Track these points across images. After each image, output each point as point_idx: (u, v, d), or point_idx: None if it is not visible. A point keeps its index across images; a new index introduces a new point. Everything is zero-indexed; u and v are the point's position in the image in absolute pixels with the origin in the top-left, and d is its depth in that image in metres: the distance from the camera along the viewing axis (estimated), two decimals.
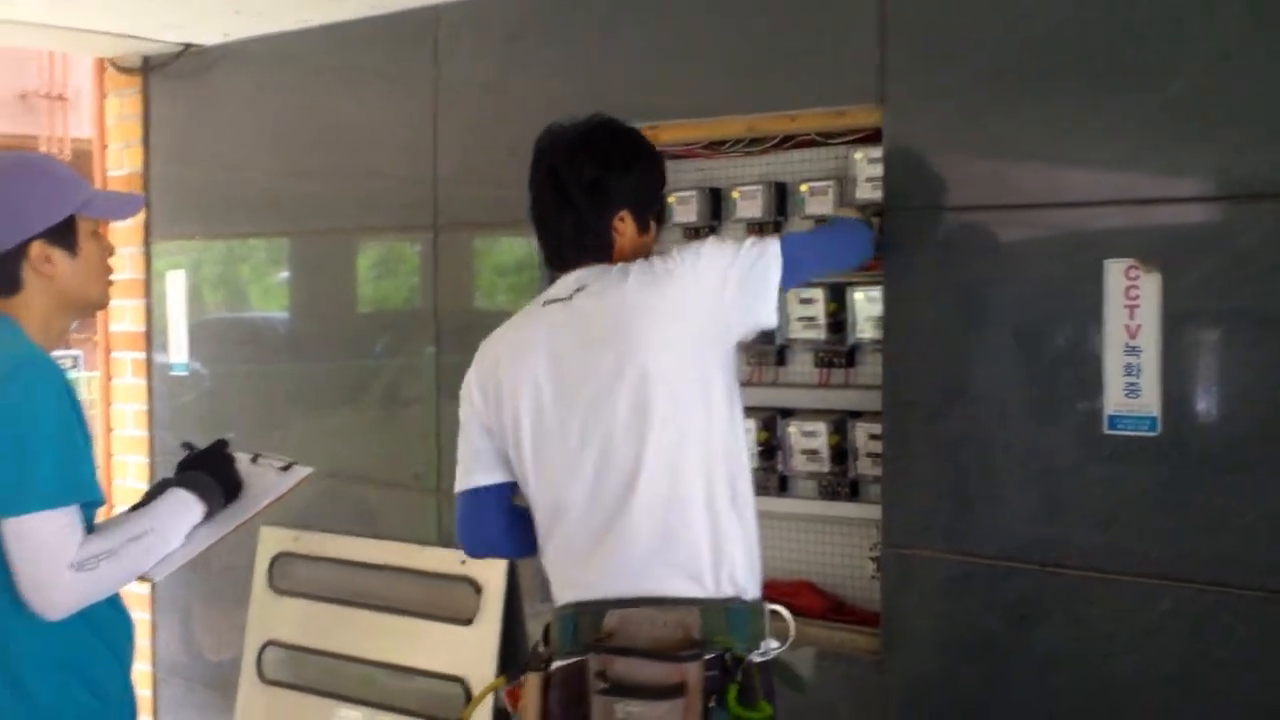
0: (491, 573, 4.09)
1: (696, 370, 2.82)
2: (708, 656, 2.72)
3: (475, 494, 3.07)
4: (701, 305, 2.83)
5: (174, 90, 5.43)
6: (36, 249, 2.76)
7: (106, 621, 2.81)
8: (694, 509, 2.80)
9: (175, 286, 5.42)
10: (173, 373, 5.46)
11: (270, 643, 4.60)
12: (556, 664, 2.90)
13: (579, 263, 2.95)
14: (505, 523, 3.08)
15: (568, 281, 2.96)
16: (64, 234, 2.80)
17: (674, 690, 2.68)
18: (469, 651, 4.09)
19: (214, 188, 5.34)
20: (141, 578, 2.80)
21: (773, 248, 2.88)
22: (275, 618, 4.61)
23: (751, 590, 2.85)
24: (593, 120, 3.00)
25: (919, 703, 3.44)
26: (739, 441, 2.89)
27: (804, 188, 3.69)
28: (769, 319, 2.89)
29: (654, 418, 2.79)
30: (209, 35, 5.11)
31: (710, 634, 2.74)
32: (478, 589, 4.10)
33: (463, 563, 4.16)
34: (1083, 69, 3.17)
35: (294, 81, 5.02)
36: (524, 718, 2.94)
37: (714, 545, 2.80)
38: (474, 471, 3.07)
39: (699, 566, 2.79)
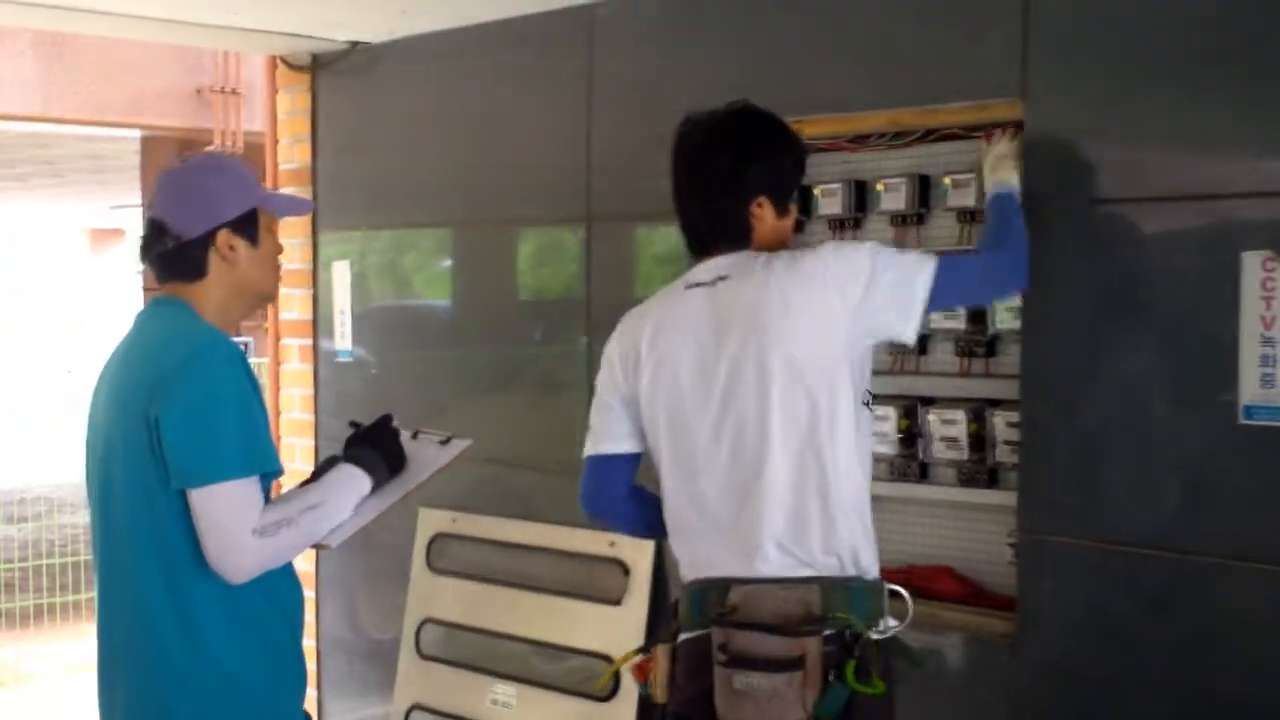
0: (639, 555, 4.18)
1: (828, 366, 2.90)
2: (827, 633, 2.82)
3: (604, 460, 3.22)
4: (842, 307, 2.90)
5: (341, 86, 5.60)
6: (223, 237, 2.94)
7: (281, 591, 2.98)
8: (816, 497, 2.90)
9: (341, 276, 5.59)
10: (338, 359, 5.64)
11: (428, 620, 4.74)
12: (683, 637, 3.02)
13: (719, 249, 3.05)
14: (625, 493, 3.22)
15: (709, 267, 3.05)
16: (247, 225, 2.97)
17: (793, 664, 2.78)
18: (617, 631, 4.17)
19: (378, 180, 5.49)
20: (317, 546, 2.96)
21: (928, 267, 2.93)
22: (433, 596, 4.74)
23: (871, 571, 2.95)
24: (730, 108, 3.10)
25: (1051, 686, 3.48)
26: (865, 436, 2.98)
27: (947, 179, 3.72)
28: (907, 336, 2.95)
29: (783, 409, 2.89)
30: (375, 34, 5.26)
31: (830, 610, 2.84)
32: (626, 570, 4.18)
33: (611, 545, 4.26)
34: (1223, 61, 3.19)
35: (455, 77, 5.16)
36: (654, 689, 3.07)
37: (834, 530, 2.90)
38: (604, 439, 3.20)
39: (819, 549, 2.90)
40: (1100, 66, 3.38)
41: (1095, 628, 3.40)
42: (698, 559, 3.05)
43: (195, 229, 2.92)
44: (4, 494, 13.18)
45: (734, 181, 3.02)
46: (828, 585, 2.87)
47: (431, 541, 4.80)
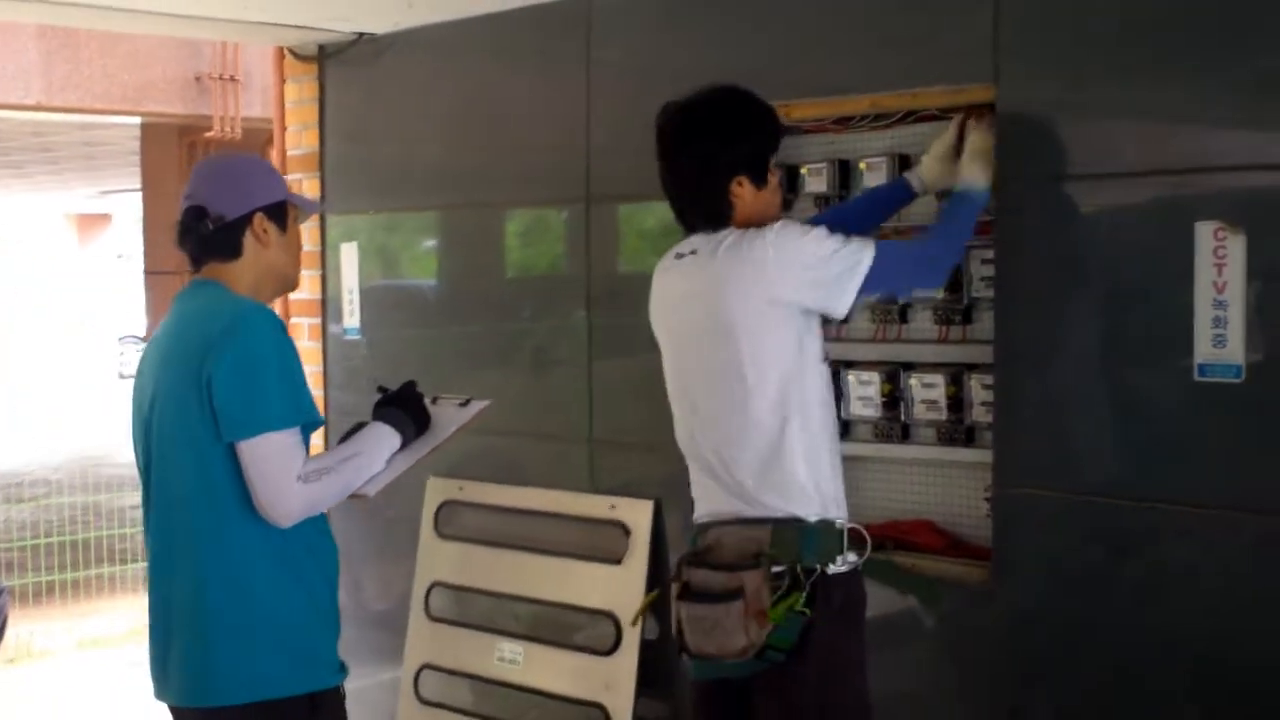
0: (639, 516, 4.36)
1: (771, 327, 3.25)
2: (777, 569, 3.19)
3: None
4: (780, 282, 3.24)
5: (348, 75, 5.82)
6: (258, 220, 3.24)
7: (319, 545, 3.27)
8: (768, 448, 3.27)
9: (348, 257, 5.79)
10: (346, 337, 5.85)
11: (436, 584, 4.93)
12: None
13: (701, 226, 3.38)
14: None
15: (689, 243, 3.41)
16: (279, 213, 3.28)
17: (730, 595, 3.15)
18: (619, 589, 4.33)
19: (384, 165, 5.72)
20: (354, 496, 3.24)
21: (865, 259, 3.26)
22: (441, 561, 4.89)
23: (828, 514, 3.29)
24: (702, 93, 3.39)
25: (1025, 628, 3.74)
26: (814, 390, 3.32)
27: (924, 157, 3.96)
28: (838, 313, 3.33)
29: (726, 368, 3.27)
30: (381, 25, 5.46)
31: (773, 549, 3.21)
32: (627, 531, 4.35)
33: (612, 508, 4.47)
34: (1179, 47, 3.45)
35: (459, 66, 5.37)
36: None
37: (786, 476, 3.26)
38: None
39: (772, 493, 3.26)
40: (1066, 52, 3.64)
41: (1065, 573, 3.67)
42: (695, 500, 3.47)
43: (234, 210, 3.21)
44: (3, 476, 13.36)
45: (711, 166, 3.34)
46: (780, 525, 3.23)
47: (439, 509, 5.00)
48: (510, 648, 4.69)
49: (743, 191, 3.34)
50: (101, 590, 9.58)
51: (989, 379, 3.84)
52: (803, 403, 3.30)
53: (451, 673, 4.87)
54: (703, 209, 3.37)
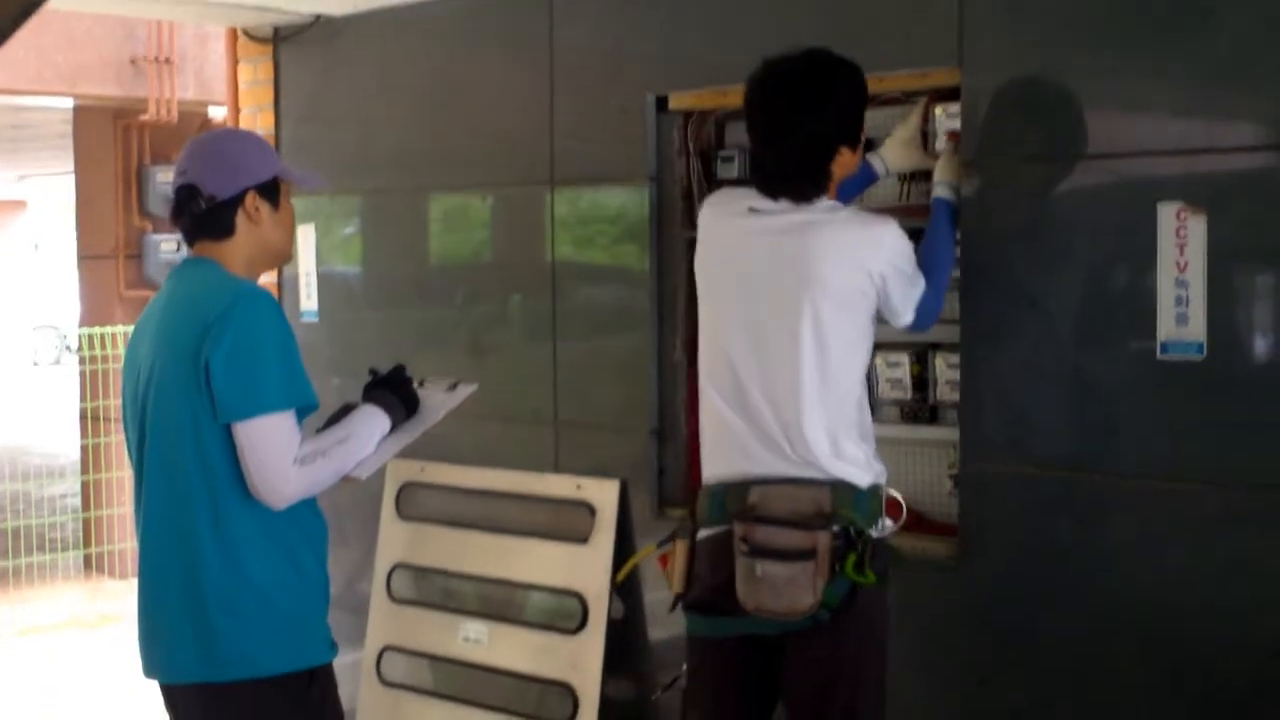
0: (605, 496, 4.43)
1: (863, 303, 3.37)
2: (835, 529, 3.23)
3: None
4: (889, 261, 3.37)
5: (303, 57, 5.81)
6: (250, 199, 3.25)
7: (310, 523, 3.28)
8: (839, 413, 3.35)
9: (305, 239, 5.78)
10: (303, 319, 5.84)
11: (399, 565, 4.98)
12: (703, 533, 3.40)
13: (806, 191, 3.40)
14: None
15: (765, 200, 3.42)
16: (270, 190, 3.29)
17: (806, 554, 3.21)
18: (585, 568, 4.43)
19: (342, 148, 5.71)
20: (346, 478, 3.25)
21: (918, 288, 3.48)
22: (403, 542, 4.95)
23: (873, 479, 3.37)
24: (806, 56, 3.41)
25: (991, 600, 3.85)
26: (860, 369, 3.42)
27: (888, 140, 4.03)
28: (903, 317, 3.50)
29: (817, 331, 3.31)
30: (340, 7, 5.46)
31: (838, 508, 3.25)
32: (592, 511, 4.43)
33: (579, 488, 4.54)
34: (1141, 32, 3.55)
35: (418, 47, 5.39)
36: (670, 578, 3.45)
37: (837, 443, 3.33)
38: None
39: (827, 457, 3.31)
40: (1030, 37, 3.73)
41: (1030, 547, 3.77)
42: (721, 459, 3.45)
43: (227, 190, 3.22)
44: None
45: (818, 141, 3.37)
46: (836, 487, 3.28)
47: (400, 490, 5.04)
48: (474, 628, 4.75)
49: (841, 158, 3.40)
50: (33, 580, 9.53)
51: (954, 358, 3.93)
52: (864, 376, 3.44)
53: (414, 654, 4.92)
54: (808, 185, 3.39)
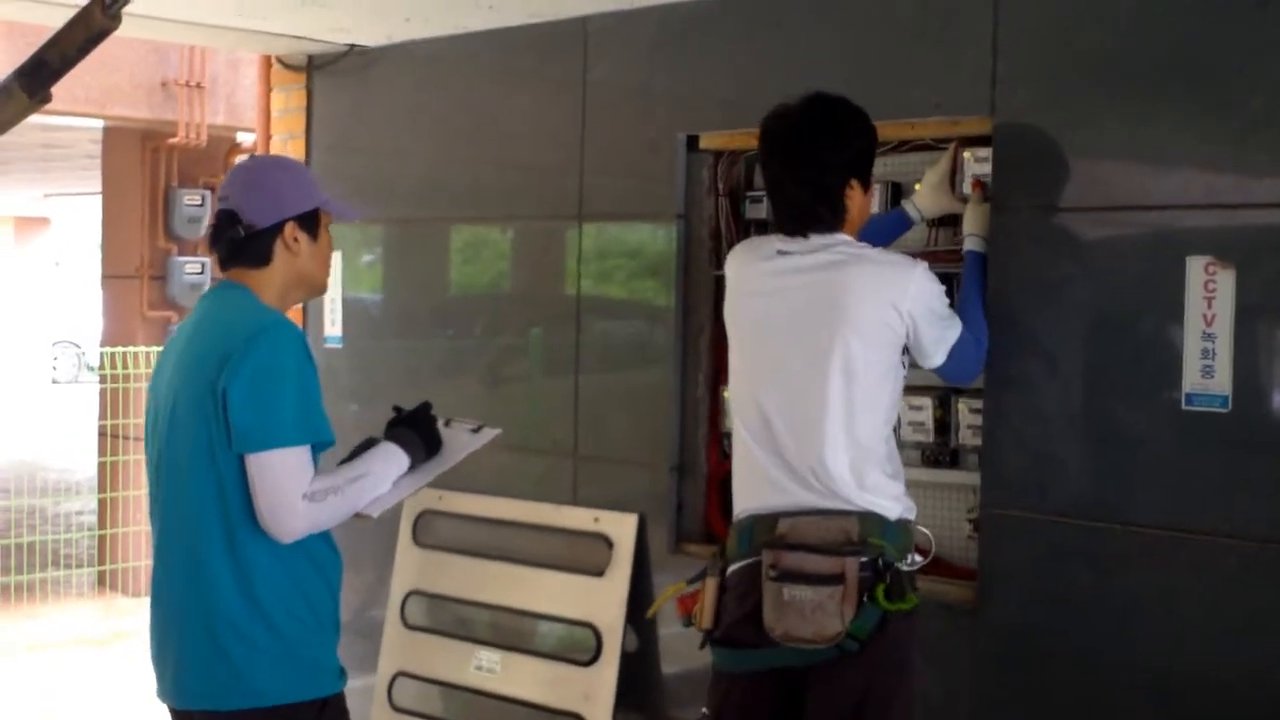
0: (622, 529, 4.45)
1: (889, 341, 3.38)
2: (864, 559, 3.25)
3: None
4: (916, 299, 3.38)
5: (336, 86, 5.86)
6: (289, 229, 3.25)
7: (323, 557, 3.27)
8: (867, 449, 3.37)
9: (333, 266, 5.82)
10: (326, 344, 5.87)
11: (413, 592, 4.99)
12: (732, 568, 3.43)
13: (815, 228, 3.44)
14: None
15: (791, 241, 3.46)
16: (310, 221, 3.30)
17: (834, 579, 3.22)
18: (600, 600, 4.44)
19: (372, 177, 5.74)
20: (358, 515, 3.24)
21: (959, 328, 3.50)
22: (419, 570, 4.96)
23: (902, 512, 3.40)
24: (813, 99, 3.47)
25: (1008, 646, 3.85)
26: (892, 410, 3.47)
27: (918, 186, 4.04)
28: (933, 358, 3.50)
29: (837, 380, 3.34)
30: (375, 38, 5.51)
31: (866, 537, 3.28)
32: (609, 544, 4.45)
33: (596, 520, 4.56)
34: (1176, 86, 3.58)
35: (451, 81, 5.43)
36: (699, 618, 3.46)
37: (862, 477, 3.35)
38: None
39: (853, 489, 3.34)
40: (1062, 89, 3.76)
41: (1048, 593, 3.77)
42: (750, 495, 3.48)
43: (266, 219, 3.23)
44: None
45: (830, 170, 3.42)
46: (864, 517, 3.31)
47: (418, 518, 5.06)
48: (488, 656, 4.77)
49: (854, 194, 3.45)
50: (46, 595, 9.55)
51: (976, 403, 3.95)
52: (890, 418, 3.46)
53: (427, 680, 4.94)
54: (825, 213, 3.43)
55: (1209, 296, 3.46)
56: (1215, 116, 3.52)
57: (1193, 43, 3.55)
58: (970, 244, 3.81)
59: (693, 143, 4.64)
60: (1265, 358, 3.43)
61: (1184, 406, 3.51)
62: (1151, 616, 3.60)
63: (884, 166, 4.17)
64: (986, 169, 3.88)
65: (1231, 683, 3.49)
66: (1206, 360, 3.47)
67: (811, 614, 3.21)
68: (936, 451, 4.09)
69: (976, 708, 3.91)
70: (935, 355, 3.48)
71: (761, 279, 3.51)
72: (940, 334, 3.46)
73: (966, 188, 3.93)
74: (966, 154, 3.98)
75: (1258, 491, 3.43)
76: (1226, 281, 3.43)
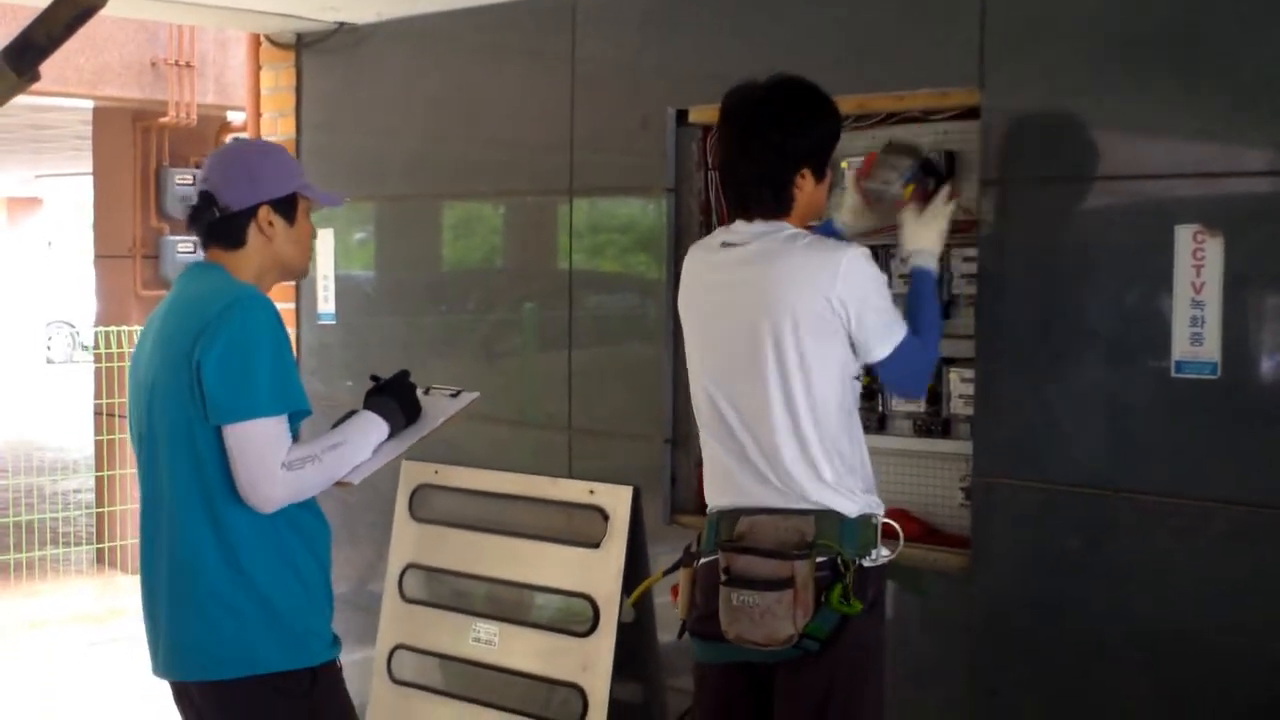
0: (618, 501, 4.46)
1: (833, 330, 3.29)
2: (820, 559, 3.22)
3: None
4: (849, 289, 3.26)
5: (326, 64, 5.86)
6: (264, 212, 3.27)
7: (308, 526, 3.30)
8: (819, 444, 3.30)
9: (324, 243, 5.81)
10: (320, 321, 5.90)
11: (411, 565, 4.99)
12: (702, 561, 3.42)
13: (761, 214, 3.38)
14: None
15: (738, 231, 3.42)
16: (287, 206, 3.32)
17: (782, 583, 3.19)
18: (596, 572, 4.44)
19: (362, 154, 5.76)
20: (339, 484, 3.27)
21: (895, 338, 3.34)
22: (415, 543, 4.95)
23: (862, 509, 3.33)
24: (775, 81, 3.39)
25: (1003, 612, 3.88)
26: (850, 394, 3.38)
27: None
28: (875, 352, 3.35)
29: (791, 360, 3.28)
30: (363, 15, 5.52)
31: (821, 539, 3.23)
32: (605, 516, 4.45)
33: (591, 493, 4.56)
34: (1164, 57, 3.59)
35: (440, 57, 5.43)
36: (680, 607, 3.48)
37: (818, 471, 3.30)
38: None
39: (810, 484, 3.30)
40: (1050, 60, 3.77)
41: (1041, 561, 3.81)
42: (717, 490, 3.46)
43: (241, 202, 3.26)
44: None
45: (781, 154, 3.34)
46: (821, 516, 3.27)
47: (414, 492, 5.07)
48: (486, 628, 4.77)
49: (805, 184, 3.38)
50: (45, 573, 9.58)
51: (969, 373, 3.97)
52: (853, 405, 3.39)
53: (425, 653, 4.95)
54: (769, 196, 3.37)
55: (1198, 265, 3.48)
56: (1203, 84, 3.53)
57: (1180, 13, 3.56)
58: (922, 261, 3.59)
59: (682, 117, 4.65)
60: (1254, 325, 3.45)
61: (1174, 374, 3.53)
62: (1143, 581, 3.63)
63: (870, 140, 4.19)
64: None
65: (1224, 645, 3.53)
66: (1196, 328, 3.49)
67: (760, 619, 3.19)
68: (928, 421, 4.11)
69: (971, 673, 3.95)
70: (876, 349, 3.32)
71: (708, 273, 3.48)
72: (879, 325, 3.32)
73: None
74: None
75: (1247, 457, 3.46)
76: (1215, 250, 3.45)
